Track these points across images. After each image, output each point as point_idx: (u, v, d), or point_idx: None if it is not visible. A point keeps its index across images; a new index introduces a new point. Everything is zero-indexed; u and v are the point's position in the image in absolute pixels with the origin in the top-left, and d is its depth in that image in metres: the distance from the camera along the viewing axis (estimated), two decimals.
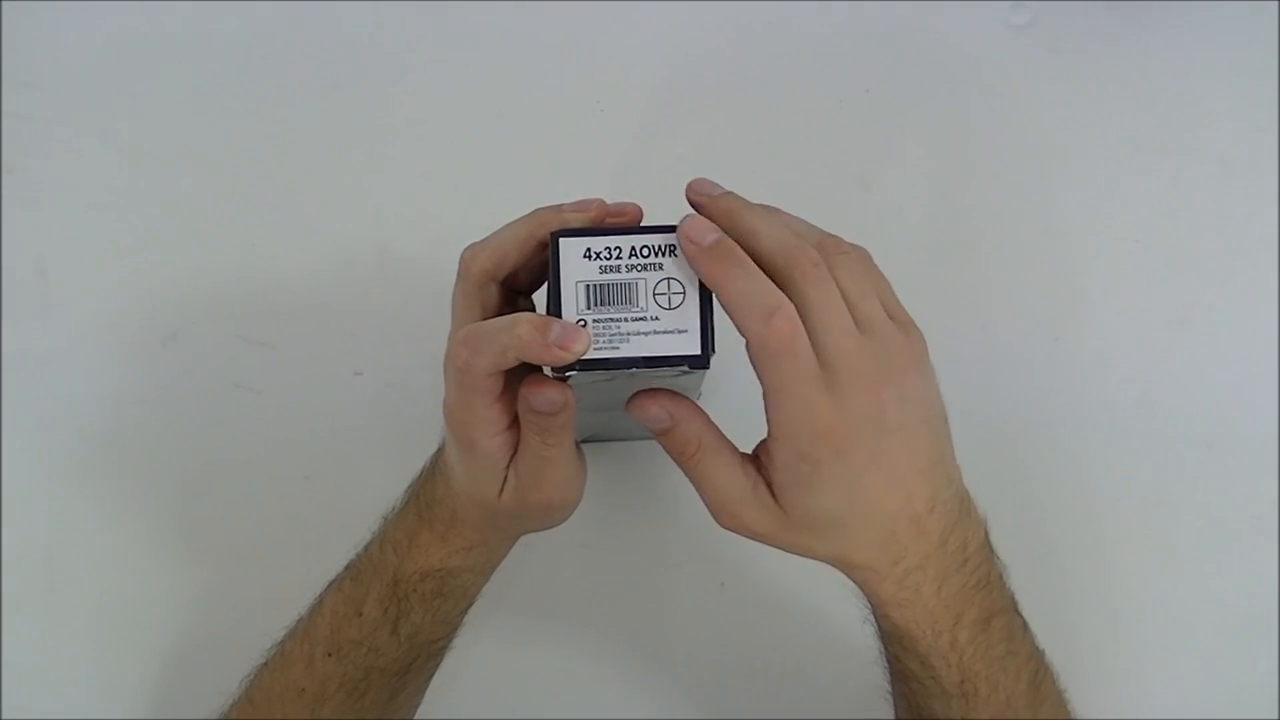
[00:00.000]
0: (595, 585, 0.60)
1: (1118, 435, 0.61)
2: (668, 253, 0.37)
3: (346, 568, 0.49)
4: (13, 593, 0.59)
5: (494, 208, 0.62)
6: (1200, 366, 0.61)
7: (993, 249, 0.63)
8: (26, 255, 0.62)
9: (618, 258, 0.37)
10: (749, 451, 0.41)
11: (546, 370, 0.38)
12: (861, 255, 0.40)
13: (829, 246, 0.39)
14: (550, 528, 0.47)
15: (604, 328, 0.37)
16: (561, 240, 0.37)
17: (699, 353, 0.37)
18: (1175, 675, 0.59)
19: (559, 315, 0.37)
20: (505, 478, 0.43)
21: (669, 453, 0.41)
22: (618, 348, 0.37)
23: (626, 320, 0.37)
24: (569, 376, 0.38)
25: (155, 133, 0.64)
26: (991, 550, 0.42)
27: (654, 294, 0.37)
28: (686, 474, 0.41)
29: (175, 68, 0.65)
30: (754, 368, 0.37)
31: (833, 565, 0.41)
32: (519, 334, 0.37)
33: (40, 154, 0.64)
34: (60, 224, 0.63)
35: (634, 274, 0.37)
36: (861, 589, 0.42)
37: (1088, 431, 0.61)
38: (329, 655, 0.47)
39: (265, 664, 0.49)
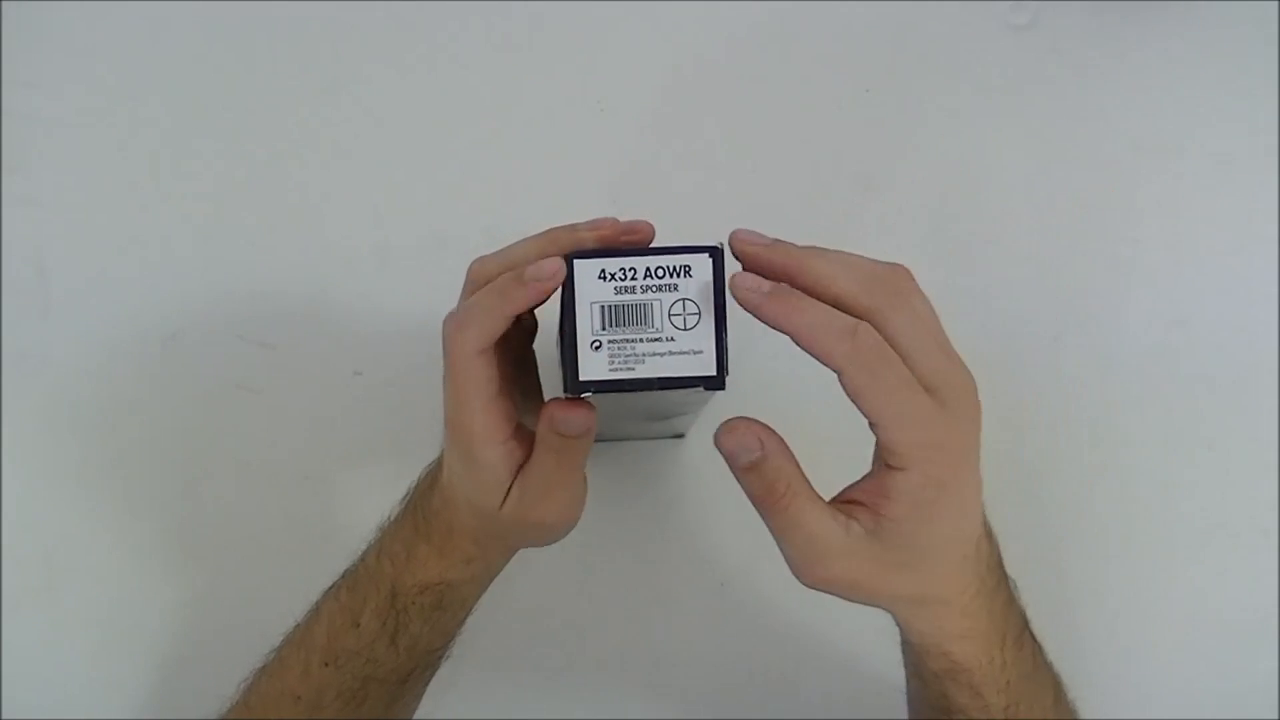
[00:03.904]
0: (595, 585, 0.60)
1: (1118, 435, 0.61)
2: (683, 273, 0.37)
3: (343, 575, 0.49)
4: (13, 593, 0.59)
5: (494, 208, 0.62)
6: (1200, 366, 0.62)
7: (993, 249, 0.63)
8: (26, 255, 0.62)
9: (633, 279, 0.37)
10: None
11: (562, 395, 0.38)
12: (916, 284, 0.39)
13: (901, 277, 0.38)
14: (548, 544, 0.47)
15: (619, 349, 0.37)
16: (576, 262, 0.37)
17: (714, 374, 0.37)
18: (1175, 675, 0.59)
19: (574, 336, 0.37)
20: (509, 490, 0.42)
21: (749, 493, 0.38)
22: (633, 369, 0.37)
23: (642, 341, 0.37)
24: (585, 396, 0.38)
25: (155, 133, 0.64)
26: (1005, 573, 0.43)
27: (669, 315, 0.37)
28: (769, 521, 0.38)
29: (175, 68, 0.65)
30: (856, 401, 0.35)
31: (902, 609, 0.40)
32: (497, 288, 0.37)
33: (40, 154, 0.64)
34: (60, 224, 0.63)
35: (649, 295, 0.37)
36: (926, 629, 0.41)
37: (1088, 431, 0.61)
38: (326, 664, 0.47)
39: (263, 669, 0.49)
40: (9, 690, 0.58)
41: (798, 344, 0.35)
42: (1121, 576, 0.59)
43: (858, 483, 0.39)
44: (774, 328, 0.35)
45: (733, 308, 0.37)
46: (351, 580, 0.48)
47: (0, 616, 0.59)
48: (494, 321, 0.37)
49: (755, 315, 0.36)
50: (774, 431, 0.38)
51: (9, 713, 0.58)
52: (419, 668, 0.48)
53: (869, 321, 0.35)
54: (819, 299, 0.36)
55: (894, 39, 0.65)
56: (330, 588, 0.49)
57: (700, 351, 0.37)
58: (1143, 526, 0.60)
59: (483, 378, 0.39)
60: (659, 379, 0.37)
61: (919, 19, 0.66)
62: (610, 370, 0.37)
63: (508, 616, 0.58)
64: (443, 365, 0.41)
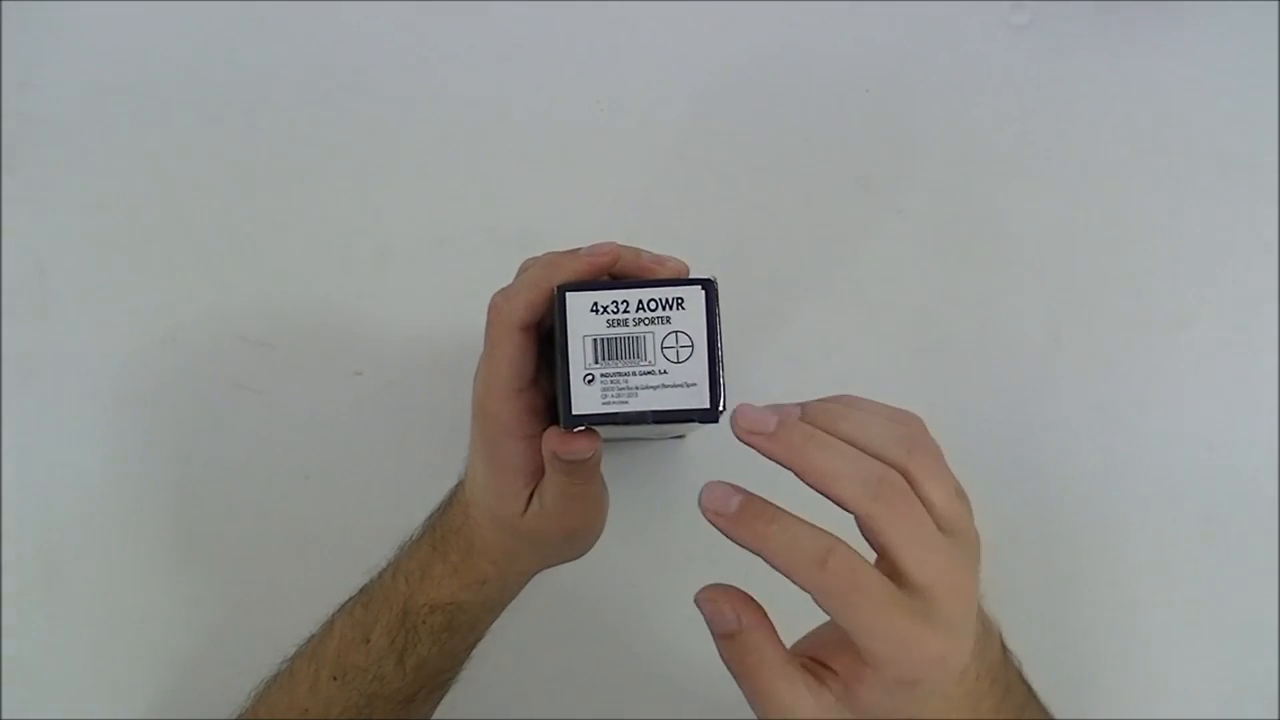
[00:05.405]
0: (594, 586, 0.59)
1: (1118, 436, 0.61)
2: (675, 306, 0.37)
3: (360, 591, 0.49)
4: (13, 593, 0.59)
5: (494, 208, 0.62)
6: (1200, 367, 0.61)
7: (993, 249, 0.63)
8: (26, 255, 0.62)
9: (625, 311, 0.37)
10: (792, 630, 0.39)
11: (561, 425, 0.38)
12: (931, 443, 0.37)
13: (914, 454, 0.36)
14: (570, 559, 0.46)
15: (612, 382, 0.37)
16: (568, 295, 0.37)
17: (708, 406, 0.37)
18: (1175, 675, 0.59)
19: (566, 369, 0.37)
20: (530, 499, 0.42)
21: (722, 655, 0.38)
22: (626, 402, 0.37)
23: (635, 374, 0.37)
24: (579, 430, 0.38)
25: (155, 133, 0.64)
26: (1007, 652, 0.41)
27: (662, 347, 0.37)
28: (739, 684, 0.38)
29: (175, 68, 0.65)
30: (833, 618, 0.35)
31: None
32: (546, 260, 0.37)
33: (40, 154, 0.64)
34: (60, 224, 0.63)
35: (642, 327, 0.37)
36: None
37: (1088, 432, 0.61)
38: (334, 679, 0.47)
39: (274, 679, 0.49)
40: (9, 690, 0.58)
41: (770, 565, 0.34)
42: (1121, 576, 0.59)
43: (830, 637, 0.38)
44: (751, 551, 0.35)
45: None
46: (366, 597, 0.48)
47: (0, 616, 0.59)
48: (542, 293, 0.37)
49: (723, 535, 0.35)
50: (753, 602, 0.37)
51: (9, 713, 0.58)
52: (424, 689, 0.48)
53: (869, 522, 0.34)
54: (823, 493, 0.35)
55: (894, 39, 0.65)
56: (345, 603, 0.49)
57: (694, 384, 0.37)
58: (1143, 526, 0.60)
59: (518, 362, 0.39)
60: (652, 412, 0.37)
61: (918, 19, 0.66)
62: (603, 404, 0.37)
63: (506, 616, 0.57)
64: (483, 343, 0.40)
